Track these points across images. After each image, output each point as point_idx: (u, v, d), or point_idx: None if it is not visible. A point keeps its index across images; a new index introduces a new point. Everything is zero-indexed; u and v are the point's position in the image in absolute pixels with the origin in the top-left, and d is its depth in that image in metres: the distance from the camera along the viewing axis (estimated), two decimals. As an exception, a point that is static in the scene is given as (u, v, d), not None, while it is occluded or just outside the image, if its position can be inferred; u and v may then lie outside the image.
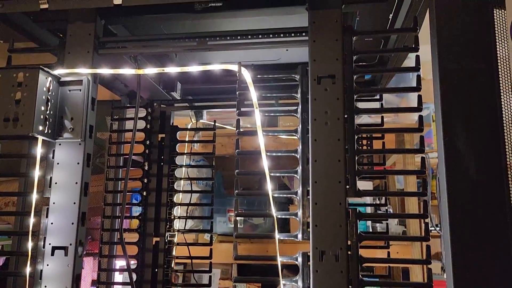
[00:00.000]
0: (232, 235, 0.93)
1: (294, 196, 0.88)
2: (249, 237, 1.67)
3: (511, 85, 0.73)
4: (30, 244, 0.86)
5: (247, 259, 1.54)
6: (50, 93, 0.88)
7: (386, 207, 1.80)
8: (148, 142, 1.47)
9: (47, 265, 0.85)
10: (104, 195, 1.45)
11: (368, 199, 1.86)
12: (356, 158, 0.84)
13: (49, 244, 0.86)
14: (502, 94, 0.73)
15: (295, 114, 0.91)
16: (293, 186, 2.29)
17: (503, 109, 0.72)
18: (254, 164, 0.93)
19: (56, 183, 0.89)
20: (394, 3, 0.94)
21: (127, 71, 1.02)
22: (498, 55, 0.74)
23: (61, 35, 1.08)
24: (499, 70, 0.74)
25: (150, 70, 1.08)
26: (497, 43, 0.75)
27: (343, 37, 0.87)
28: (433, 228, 2.40)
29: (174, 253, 1.46)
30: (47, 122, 0.87)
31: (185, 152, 1.51)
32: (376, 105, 1.25)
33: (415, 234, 1.95)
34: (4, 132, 0.83)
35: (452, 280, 0.65)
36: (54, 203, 0.88)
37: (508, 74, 0.74)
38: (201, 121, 1.59)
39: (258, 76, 0.94)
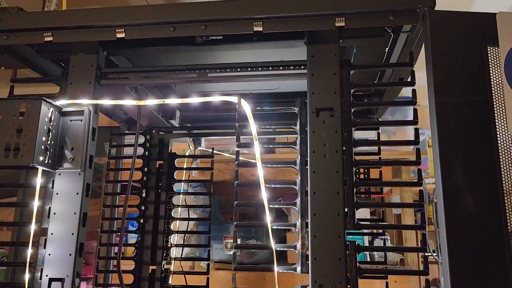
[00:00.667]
0: (229, 263, 0.92)
1: (293, 228, 0.88)
2: (248, 270, 1.65)
3: (505, 119, 0.75)
4: (27, 276, 0.85)
5: (245, 289, 1.52)
6: (51, 123, 0.89)
7: (384, 237, 1.80)
8: (146, 169, 1.48)
9: (43, 297, 0.84)
10: (101, 222, 1.44)
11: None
12: (355, 190, 0.85)
13: (46, 275, 0.85)
14: (497, 128, 0.75)
15: (294, 146, 0.92)
16: (290, 213, 2.28)
17: (499, 143, 0.74)
18: (253, 191, 0.93)
19: (54, 213, 0.88)
20: (390, 38, 0.96)
21: (128, 102, 1.03)
22: (493, 90, 0.76)
23: (63, 65, 1.09)
24: (494, 105, 0.76)
25: (151, 102, 1.10)
26: (491, 79, 0.77)
27: (341, 70, 0.89)
28: (429, 254, 2.39)
29: (170, 281, 1.45)
30: (48, 152, 0.87)
31: (183, 179, 1.51)
32: (373, 133, 1.26)
33: (413, 262, 1.94)
34: (5, 163, 0.84)
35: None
36: (52, 233, 0.87)
37: (503, 109, 0.76)
38: (199, 148, 1.60)
39: (258, 108, 0.96)
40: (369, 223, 1.43)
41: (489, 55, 0.78)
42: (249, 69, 0.96)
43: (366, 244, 1.99)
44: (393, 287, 1.86)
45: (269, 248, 0.87)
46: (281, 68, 0.95)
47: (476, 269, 0.68)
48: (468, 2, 1.95)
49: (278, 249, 0.88)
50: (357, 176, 1.28)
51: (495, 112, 0.75)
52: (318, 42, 0.90)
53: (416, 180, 0.87)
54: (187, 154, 1.56)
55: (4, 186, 0.99)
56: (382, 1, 0.84)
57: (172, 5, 0.92)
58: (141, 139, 1.49)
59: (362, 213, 2.10)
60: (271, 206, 0.88)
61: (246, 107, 0.91)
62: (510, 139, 0.74)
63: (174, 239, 1.48)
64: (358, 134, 0.92)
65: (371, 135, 1.30)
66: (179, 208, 1.49)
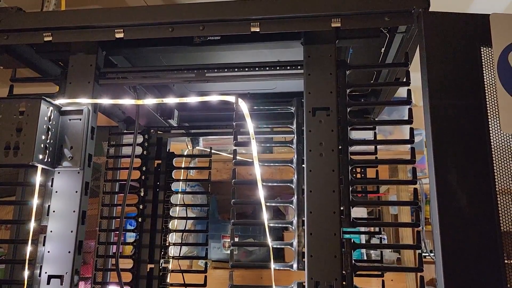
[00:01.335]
0: (227, 262, 0.93)
1: (289, 226, 0.90)
2: (245, 266, 1.66)
3: (498, 119, 0.76)
4: (26, 273, 0.86)
5: None
6: (51, 122, 0.90)
7: (380, 235, 1.81)
8: (144, 168, 1.48)
9: (43, 294, 0.85)
10: (99, 221, 1.45)
11: (363, 227, 1.87)
12: (351, 188, 0.86)
13: (45, 272, 0.86)
14: (490, 128, 0.76)
15: (290, 145, 0.93)
16: (287, 212, 2.29)
17: (492, 142, 0.75)
18: (250, 190, 0.94)
19: (54, 211, 0.89)
20: (386, 39, 0.97)
21: (127, 101, 1.04)
22: (486, 90, 0.78)
23: (63, 65, 1.10)
24: (487, 105, 0.77)
25: (150, 101, 1.11)
26: (485, 79, 0.78)
27: (337, 70, 0.90)
28: (427, 254, 2.41)
29: (168, 280, 1.46)
30: (47, 151, 0.88)
31: (181, 178, 1.52)
32: (370, 133, 1.27)
33: (409, 261, 1.95)
34: (4, 161, 0.85)
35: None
36: (51, 231, 0.88)
37: (496, 109, 0.77)
38: (197, 147, 1.61)
39: (255, 107, 0.97)
40: (365, 221, 1.44)
41: (482, 55, 0.79)
42: (246, 69, 0.97)
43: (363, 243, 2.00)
44: (390, 286, 1.88)
45: (266, 245, 0.88)
46: (278, 68, 0.96)
47: (470, 267, 0.69)
48: (465, 4, 1.96)
49: (274, 246, 0.89)
50: (354, 176, 1.29)
51: (488, 112, 0.76)
52: (315, 42, 0.91)
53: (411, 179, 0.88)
54: (185, 153, 1.57)
55: (4, 184, 0.99)
56: (378, 2, 0.85)
57: (170, 5, 0.94)
58: (140, 139, 1.50)
59: (360, 213, 2.12)
60: (268, 204, 0.89)
61: (244, 106, 0.92)
62: (503, 138, 0.75)
63: (172, 238, 1.49)
64: (355, 135, 0.93)
65: (368, 135, 1.32)
66: (177, 207, 1.50)
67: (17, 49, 1.01)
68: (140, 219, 1.46)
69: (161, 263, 1.45)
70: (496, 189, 0.72)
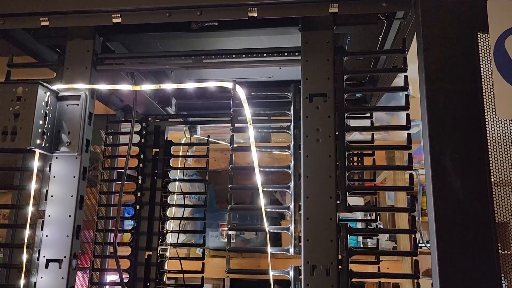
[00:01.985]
0: (224, 250, 0.94)
1: (286, 211, 0.90)
2: (241, 250, 1.68)
3: (494, 104, 0.77)
4: (25, 257, 0.87)
5: (240, 273, 1.55)
6: (48, 107, 0.90)
7: (377, 223, 1.83)
8: (142, 156, 1.49)
9: (41, 277, 0.86)
10: (97, 208, 1.46)
11: (359, 215, 1.88)
12: (347, 174, 0.87)
13: (44, 256, 0.87)
14: (486, 114, 0.77)
15: (287, 131, 0.94)
16: (285, 201, 2.30)
17: (487, 128, 0.76)
18: (247, 179, 0.95)
19: (52, 196, 0.90)
20: (384, 26, 0.97)
21: (124, 87, 1.04)
22: (482, 76, 0.78)
23: (60, 51, 1.10)
24: (483, 90, 0.77)
25: (147, 87, 1.11)
26: (481, 65, 0.78)
27: (335, 57, 0.90)
28: (423, 245, 2.43)
29: (166, 267, 1.47)
30: (45, 136, 0.88)
31: (179, 166, 1.52)
32: (367, 122, 1.28)
33: (405, 249, 1.97)
34: (2, 145, 0.85)
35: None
36: (49, 215, 0.89)
37: (492, 94, 0.77)
38: (195, 136, 1.61)
39: (252, 93, 0.97)
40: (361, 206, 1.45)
41: (479, 41, 0.79)
42: (244, 55, 0.97)
43: (360, 232, 2.01)
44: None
45: (263, 230, 0.89)
46: (275, 54, 0.96)
47: (464, 257, 0.69)
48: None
49: (271, 231, 0.90)
50: (351, 163, 1.30)
51: (484, 97, 0.77)
52: (312, 28, 0.91)
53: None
54: (183, 142, 1.58)
55: (3, 170, 1.00)
56: (375, -12, 0.85)
57: (168, -10, 0.93)
58: (137, 127, 1.50)
59: (356, 202, 2.13)
60: (265, 189, 0.90)
61: (241, 92, 0.92)
62: (498, 124, 0.76)
63: (170, 225, 1.49)
64: (353, 123, 0.93)
65: (366, 123, 1.32)
66: (175, 195, 1.51)
67: (14, 34, 1.00)
68: (138, 207, 1.47)
69: (159, 250, 1.46)
70: (491, 172, 0.73)
